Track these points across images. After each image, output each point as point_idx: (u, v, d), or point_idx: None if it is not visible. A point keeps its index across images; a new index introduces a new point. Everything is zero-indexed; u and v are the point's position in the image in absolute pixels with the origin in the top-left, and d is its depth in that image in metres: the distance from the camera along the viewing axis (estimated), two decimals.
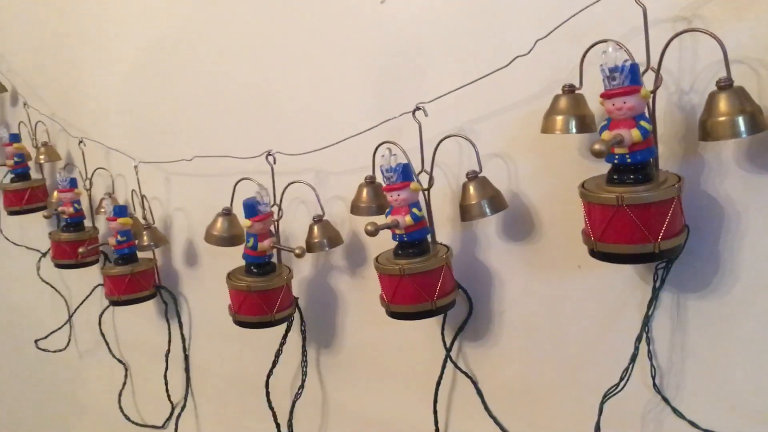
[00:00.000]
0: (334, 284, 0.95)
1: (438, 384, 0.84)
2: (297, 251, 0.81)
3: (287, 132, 0.95)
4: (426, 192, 0.77)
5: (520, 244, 0.76)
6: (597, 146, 0.54)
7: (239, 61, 1.00)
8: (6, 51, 1.47)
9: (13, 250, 1.50)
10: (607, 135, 0.57)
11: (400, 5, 0.81)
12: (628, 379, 0.67)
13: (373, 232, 0.71)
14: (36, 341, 1.40)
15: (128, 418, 1.32)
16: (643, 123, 0.57)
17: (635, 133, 0.57)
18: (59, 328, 1.42)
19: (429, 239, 0.77)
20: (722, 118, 0.55)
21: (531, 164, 0.74)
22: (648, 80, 0.60)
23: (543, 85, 0.69)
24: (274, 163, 0.91)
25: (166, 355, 1.22)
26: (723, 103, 0.55)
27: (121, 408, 1.32)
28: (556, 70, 0.68)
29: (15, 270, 1.57)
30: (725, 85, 0.56)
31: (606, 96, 0.58)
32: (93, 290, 1.32)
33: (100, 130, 1.26)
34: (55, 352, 1.42)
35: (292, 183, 0.90)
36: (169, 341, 1.21)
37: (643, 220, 0.57)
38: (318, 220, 0.88)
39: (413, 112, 0.76)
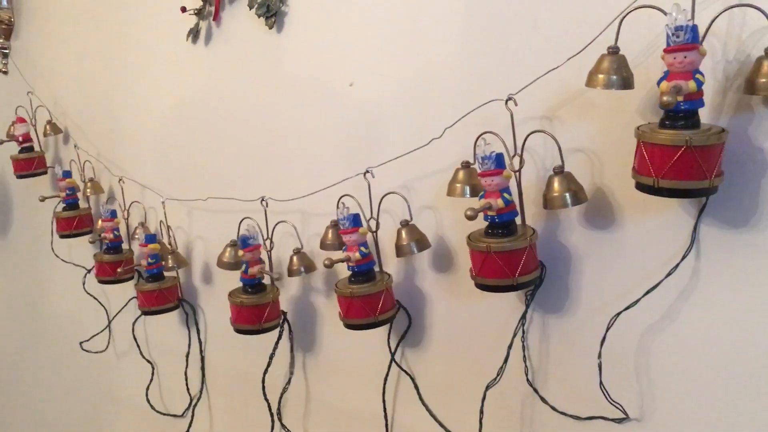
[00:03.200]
0: (313, 301, 1.21)
1: (385, 380, 1.09)
2: (275, 276, 1.10)
3: (280, 180, 1.21)
4: (374, 234, 1.02)
5: (444, 275, 1.01)
6: (468, 212, 0.80)
7: (245, 122, 1.27)
8: (61, 97, 1.76)
9: (62, 267, 1.78)
10: (478, 203, 0.82)
11: (364, 90, 1.07)
12: (502, 375, 0.92)
13: (329, 266, 0.97)
14: (81, 343, 1.68)
15: (154, 408, 1.59)
16: (505, 195, 0.82)
17: (500, 202, 0.82)
18: (100, 333, 1.70)
19: (375, 269, 1.02)
20: (556, 194, 0.80)
21: (451, 215, 0.99)
22: (516, 162, 0.86)
23: (455, 158, 0.94)
24: (267, 206, 1.17)
25: (187, 356, 1.48)
26: (557, 184, 0.80)
27: (148, 400, 1.59)
28: (462, 148, 0.92)
29: (63, 283, 1.86)
30: (558, 171, 0.81)
31: (480, 175, 0.83)
32: (128, 302, 1.59)
33: (137, 170, 1.53)
34: (96, 353, 1.70)
35: (279, 222, 1.16)
36: (189, 344, 1.48)
37: (505, 262, 0.82)
38: (297, 251, 1.14)
39: (364, 174, 1.02)
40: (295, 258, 1.12)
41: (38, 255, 1.91)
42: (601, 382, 0.83)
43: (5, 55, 1.95)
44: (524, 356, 0.92)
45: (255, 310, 1.13)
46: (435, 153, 0.97)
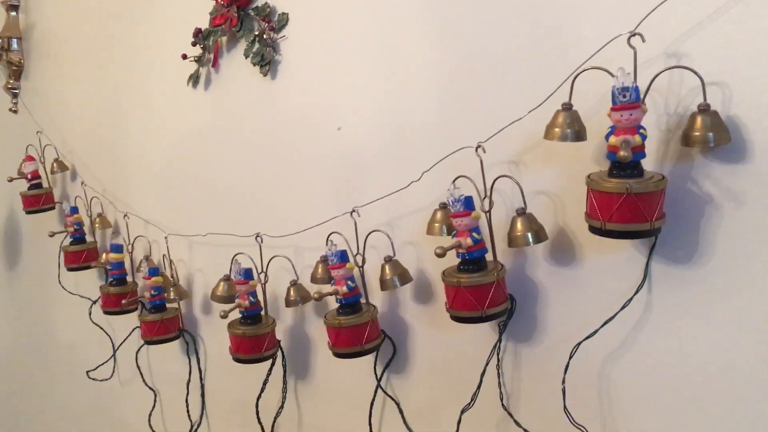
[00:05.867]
0: (306, 330, 1.29)
1: (372, 404, 1.16)
2: (221, 314, 1.18)
3: (274, 217, 1.29)
4: (361, 269, 1.10)
5: (425, 306, 1.09)
6: (438, 251, 0.88)
7: (241, 162, 1.35)
8: (68, 136, 1.85)
9: (69, 298, 1.86)
10: (449, 242, 0.90)
11: (351, 134, 1.15)
12: (476, 400, 0.99)
13: (318, 299, 1.04)
14: (87, 372, 1.75)
15: None
16: (474, 234, 0.90)
17: (469, 240, 0.90)
18: (105, 362, 1.77)
19: (362, 301, 1.10)
20: (519, 233, 0.88)
21: (431, 251, 1.06)
22: (486, 203, 0.94)
23: (433, 198, 1.02)
24: (262, 242, 1.25)
25: (187, 383, 1.56)
26: (519, 224, 0.88)
27: (150, 426, 1.66)
28: (439, 189, 1.01)
29: (70, 314, 1.94)
30: (521, 212, 0.89)
31: (451, 216, 0.91)
32: (132, 332, 1.67)
33: (140, 206, 1.62)
34: (102, 380, 1.77)
35: (274, 257, 1.24)
36: (190, 372, 1.55)
37: (474, 295, 0.90)
38: (293, 283, 1.21)
39: (351, 213, 1.10)
40: (292, 290, 1.20)
41: (46, 287, 1.99)
42: (565, 407, 0.90)
43: (15, 95, 2.05)
44: (499, 382, 0.99)
45: (256, 340, 1.20)
46: (415, 194, 1.05)
